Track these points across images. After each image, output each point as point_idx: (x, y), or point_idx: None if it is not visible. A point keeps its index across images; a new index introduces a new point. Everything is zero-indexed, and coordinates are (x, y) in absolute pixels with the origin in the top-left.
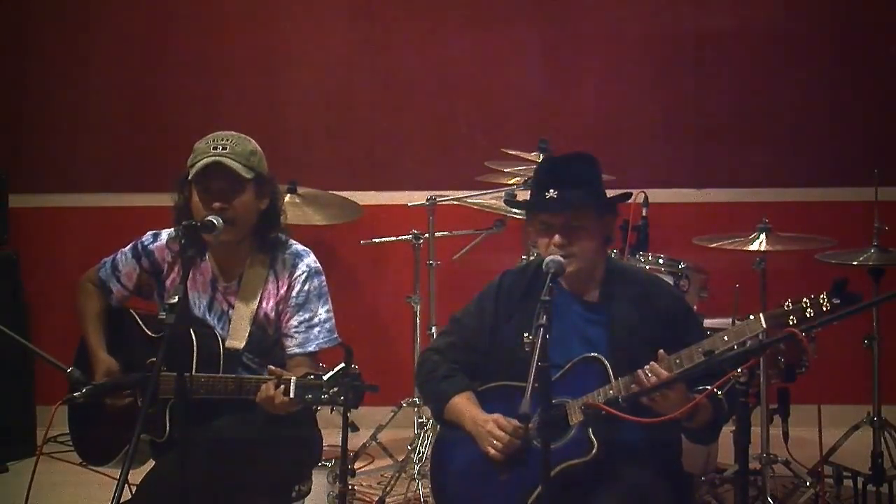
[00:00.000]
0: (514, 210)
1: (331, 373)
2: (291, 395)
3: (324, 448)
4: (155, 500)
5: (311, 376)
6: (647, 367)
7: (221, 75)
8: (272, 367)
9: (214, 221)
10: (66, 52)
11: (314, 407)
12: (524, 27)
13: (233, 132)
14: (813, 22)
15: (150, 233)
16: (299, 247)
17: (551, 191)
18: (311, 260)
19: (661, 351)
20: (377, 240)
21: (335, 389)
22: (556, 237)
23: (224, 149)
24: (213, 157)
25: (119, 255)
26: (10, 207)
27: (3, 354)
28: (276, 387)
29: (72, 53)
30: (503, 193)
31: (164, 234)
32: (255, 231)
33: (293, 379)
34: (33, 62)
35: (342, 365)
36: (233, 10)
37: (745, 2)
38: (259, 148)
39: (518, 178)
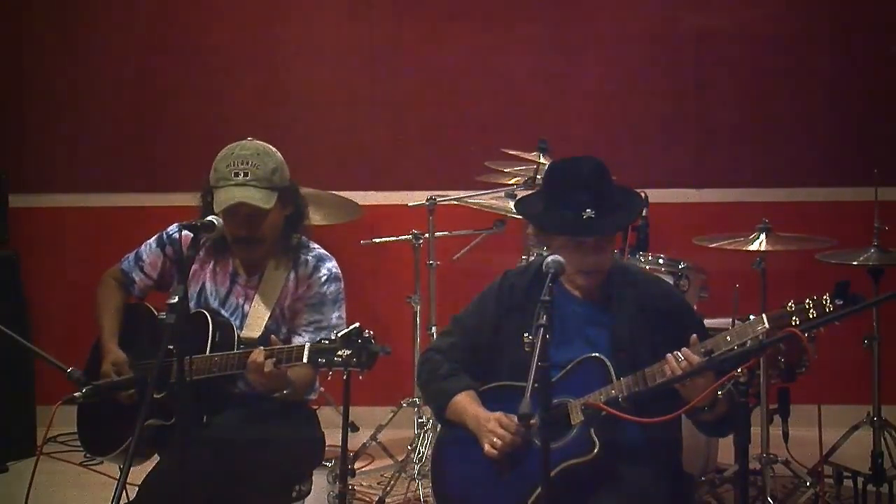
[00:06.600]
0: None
1: (344, 330)
2: (305, 359)
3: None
4: (156, 500)
5: (325, 341)
6: (678, 352)
7: (222, 75)
8: (273, 337)
9: (214, 221)
10: (66, 51)
11: (328, 371)
12: (524, 27)
13: (251, 146)
14: (813, 22)
15: (176, 224)
16: (322, 251)
17: (588, 211)
18: (332, 265)
19: (695, 336)
20: (377, 240)
21: (349, 352)
22: (591, 259)
23: (246, 175)
24: (237, 198)
25: (143, 247)
26: (10, 207)
27: (3, 354)
28: (268, 357)
29: (72, 53)
30: (504, 193)
31: None
32: (279, 234)
33: (307, 344)
34: (33, 62)
35: (357, 325)
36: (233, 10)
37: (745, 2)
38: (279, 157)
39: (518, 178)
